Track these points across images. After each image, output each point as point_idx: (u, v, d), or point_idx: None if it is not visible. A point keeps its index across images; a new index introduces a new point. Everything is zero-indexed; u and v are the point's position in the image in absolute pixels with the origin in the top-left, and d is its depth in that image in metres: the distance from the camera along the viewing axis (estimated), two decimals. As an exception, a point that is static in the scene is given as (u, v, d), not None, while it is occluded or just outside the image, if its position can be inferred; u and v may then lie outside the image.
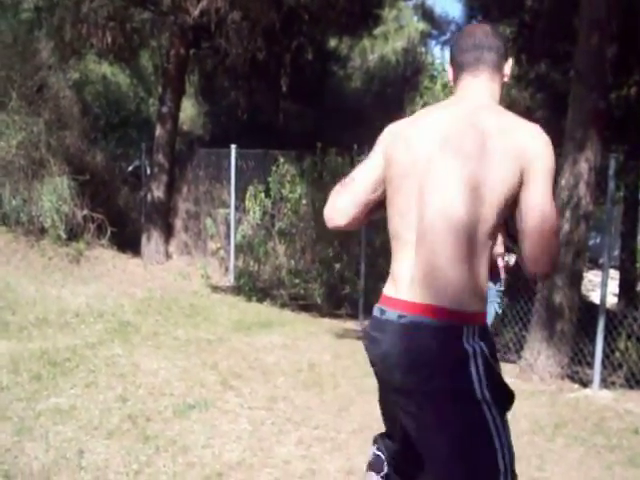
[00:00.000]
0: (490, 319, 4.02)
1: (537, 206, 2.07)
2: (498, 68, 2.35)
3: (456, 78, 2.38)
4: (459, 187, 2.10)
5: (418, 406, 2.17)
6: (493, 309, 3.99)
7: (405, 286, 2.19)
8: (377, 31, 18.87)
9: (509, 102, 19.78)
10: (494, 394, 2.10)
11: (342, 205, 2.40)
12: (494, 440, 2.08)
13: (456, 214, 2.10)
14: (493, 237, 2.14)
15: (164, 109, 12.46)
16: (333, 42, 18.33)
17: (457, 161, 2.12)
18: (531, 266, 2.12)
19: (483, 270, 2.15)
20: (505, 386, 2.16)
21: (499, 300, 3.92)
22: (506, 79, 2.40)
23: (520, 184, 2.08)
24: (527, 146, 2.10)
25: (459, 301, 2.11)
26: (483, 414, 2.09)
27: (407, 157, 2.24)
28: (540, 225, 2.07)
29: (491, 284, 3.78)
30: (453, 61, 2.40)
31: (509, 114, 2.24)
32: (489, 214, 2.08)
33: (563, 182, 6.75)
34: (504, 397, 2.15)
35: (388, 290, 2.26)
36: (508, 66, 2.38)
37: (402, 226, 2.23)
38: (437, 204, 2.13)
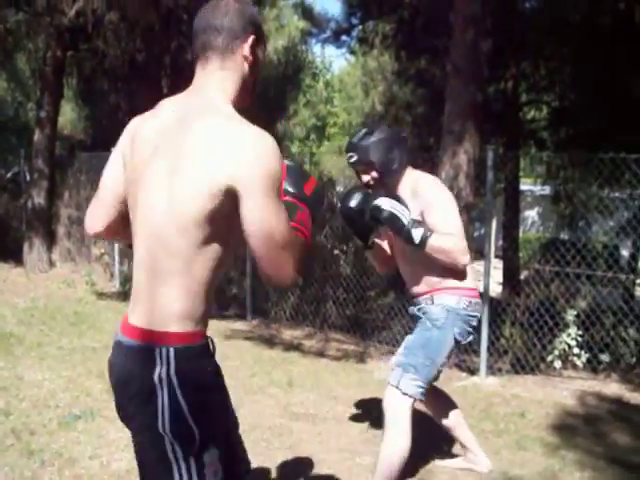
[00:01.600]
0: (445, 346, 3.78)
1: (256, 223, 1.92)
2: (231, 52, 2.14)
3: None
4: (159, 198, 1.98)
5: (130, 430, 2.10)
6: (451, 334, 3.76)
7: (130, 305, 2.12)
8: (258, 30, 18.89)
9: (390, 97, 20.12)
10: (176, 429, 1.94)
11: (95, 215, 2.29)
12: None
13: (153, 227, 2.01)
14: (205, 250, 1.97)
15: (42, 113, 12.16)
16: (214, 42, 18.27)
17: (162, 170, 1.99)
18: (268, 281, 2.00)
19: (192, 286, 1.98)
20: (192, 425, 1.95)
21: (462, 324, 3.78)
22: (249, 58, 2.17)
23: (230, 198, 1.91)
24: (234, 158, 1.91)
25: (155, 320, 1.99)
26: (164, 449, 1.96)
27: (132, 161, 2.11)
28: (264, 243, 1.93)
29: (450, 303, 3.76)
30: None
31: (223, 120, 2.02)
32: (189, 228, 1.94)
33: (443, 174, 6.88)
34: (190, 436, 1.96)
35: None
36: (247, 45, 2.14)
37: (133, 240, 2.13)
38: (140, 216, 2.05)
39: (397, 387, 3.66)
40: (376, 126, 3.93)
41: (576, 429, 5.28)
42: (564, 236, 13.16)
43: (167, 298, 1.97)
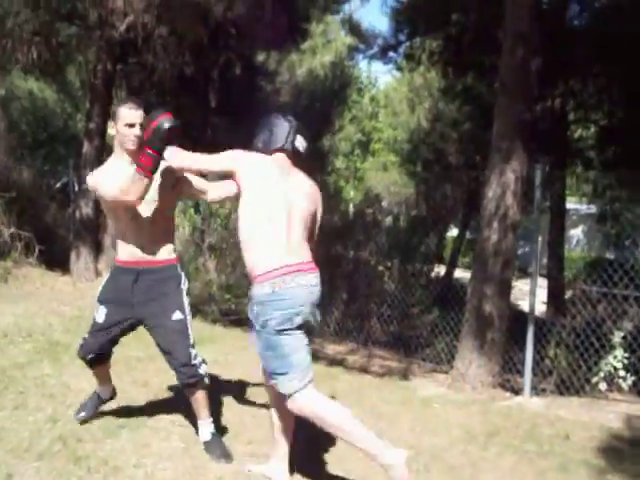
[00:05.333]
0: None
1: None
2: None
3: None
4: None
5: None
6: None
7: None
8: (305, 45, 18.95)
9: (436, 114, 20.10)
10: None
11: None
12: None
13: None
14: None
15: (91, 125, 12.31)
16: (261, 57, 18.34)
17: None
18: None
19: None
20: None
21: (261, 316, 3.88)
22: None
23: None
24: None
25: None
26: None
27: None
28: None
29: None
30: None
31: None
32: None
33: (490, 193, 6.84)
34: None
35: None
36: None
37: None
38: None
39: None
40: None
41: (622, 453, 5.21)
42: (609, 255, 13.01)
43: None
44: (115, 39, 11.54)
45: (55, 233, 13.55)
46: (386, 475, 3.64)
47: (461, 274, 16.93)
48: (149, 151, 4.17)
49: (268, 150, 4.15)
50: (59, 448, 4.50)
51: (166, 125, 4.14)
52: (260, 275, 3.84)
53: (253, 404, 5.71)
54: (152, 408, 5.39)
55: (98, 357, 4.75)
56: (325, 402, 3.82)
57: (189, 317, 4.59)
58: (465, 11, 13.10)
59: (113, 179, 4.34)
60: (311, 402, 3.78)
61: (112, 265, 4.85)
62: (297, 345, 3.81)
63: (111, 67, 12.36)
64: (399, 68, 18.96)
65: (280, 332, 3.77)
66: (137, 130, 4.36)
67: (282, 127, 4.19)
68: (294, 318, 3.79)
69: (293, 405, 3.80)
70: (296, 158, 4.21)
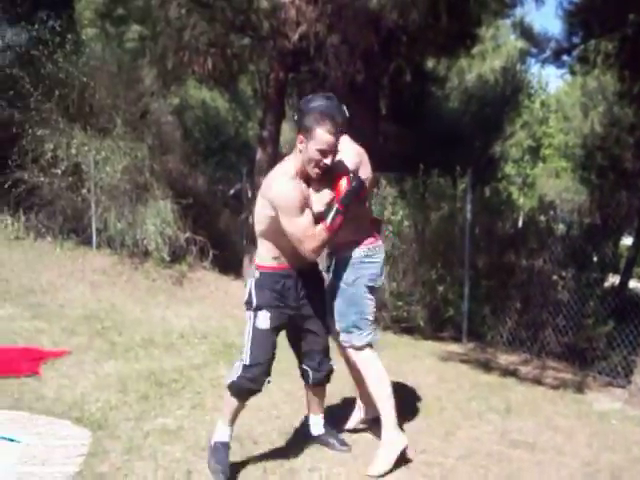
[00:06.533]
0: None
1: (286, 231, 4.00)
2: (298, 140, 3.94)
3: None
4: None
5: None
6: None
7: None
8: (474, 50, 18.72)
9: (611, 119, 19.40)
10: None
11: None
12: None
13: None
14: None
15: (265, 133, 12.57)
16: (431, 63, 18.25)
17: None
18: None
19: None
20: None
21: None
22: (301, 151, 3.91)
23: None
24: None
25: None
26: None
27: None
28: (293, 240, 4.00)
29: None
30: None
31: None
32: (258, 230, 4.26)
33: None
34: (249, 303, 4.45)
35: None
36: (299, 142, 3.91)
37: None
38: None
39: None
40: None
41: None
42: None
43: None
44: (287, 49, 11.74)
45: (228, 238, 13.92)
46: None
47: (635, 284, 16.27)
48: (342, 210, 3.93)
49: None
50: (236, 448, 4.60)
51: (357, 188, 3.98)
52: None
53: (427, 412, 5.67)
54: (325, 413, 5.41)
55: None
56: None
57: None
58: (644, 10, 12.60)
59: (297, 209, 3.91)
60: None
61: None
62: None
63: (283, 76, 12.58)
64: (572, 72, 18.41)
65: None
66: (329, 160, 3.88)
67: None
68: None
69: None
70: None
